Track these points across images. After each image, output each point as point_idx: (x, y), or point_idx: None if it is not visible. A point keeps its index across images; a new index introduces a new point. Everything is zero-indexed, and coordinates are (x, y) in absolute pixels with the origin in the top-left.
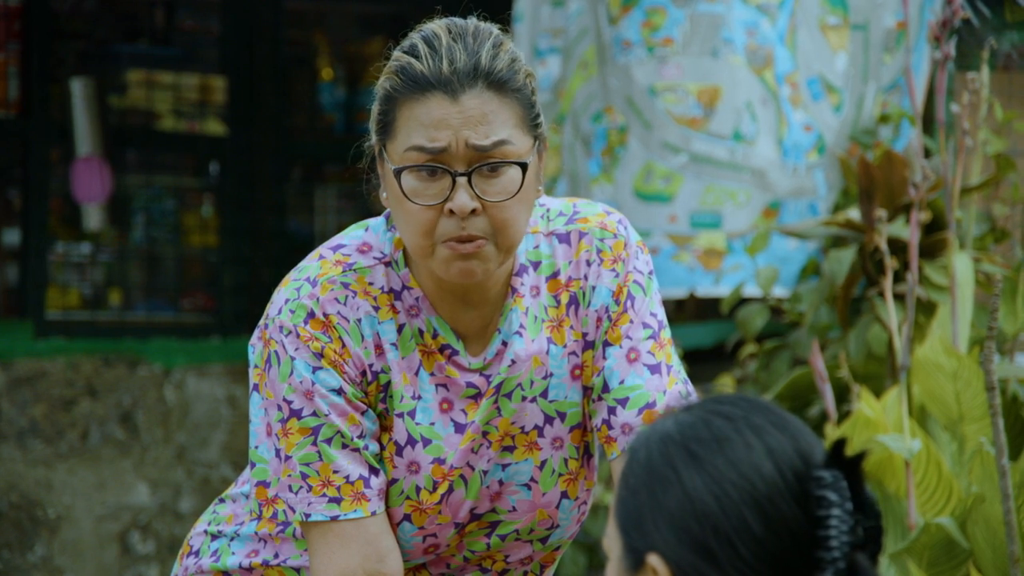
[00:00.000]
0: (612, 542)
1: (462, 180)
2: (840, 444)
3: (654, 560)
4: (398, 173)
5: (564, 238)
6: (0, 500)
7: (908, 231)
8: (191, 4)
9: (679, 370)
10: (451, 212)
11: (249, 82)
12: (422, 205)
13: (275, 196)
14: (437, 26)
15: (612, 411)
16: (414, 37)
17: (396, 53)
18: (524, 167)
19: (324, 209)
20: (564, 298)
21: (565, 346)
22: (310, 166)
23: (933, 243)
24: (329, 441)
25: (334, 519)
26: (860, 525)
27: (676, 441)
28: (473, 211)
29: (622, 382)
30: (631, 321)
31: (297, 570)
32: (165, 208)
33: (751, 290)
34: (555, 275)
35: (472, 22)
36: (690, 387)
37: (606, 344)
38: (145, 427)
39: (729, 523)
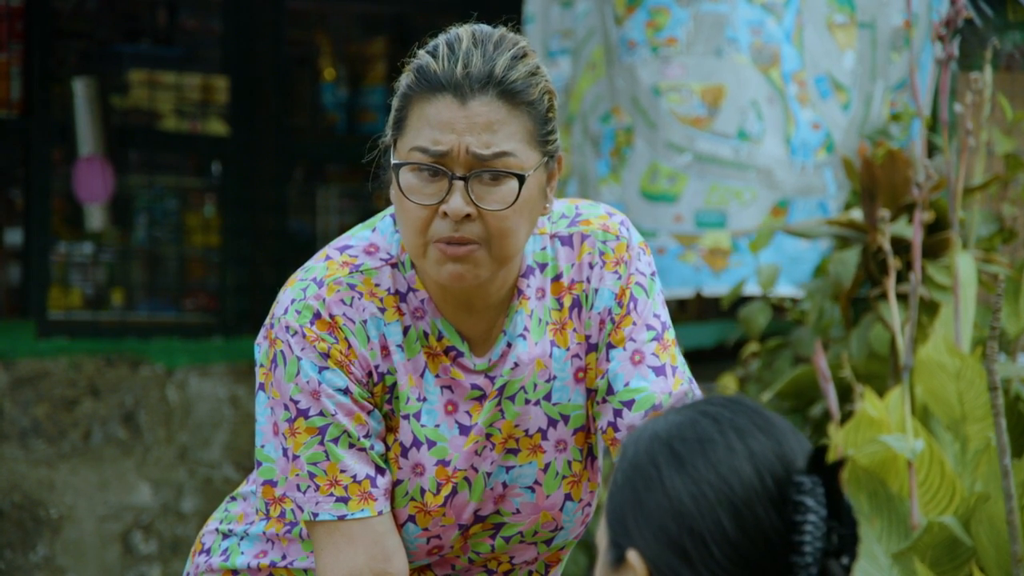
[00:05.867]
0: (601, 536)
1: (458, 184)
2: (821, 450)
3: (632, 556)
4: (398, 169)
5: (566, 240)
6: (2, 500)
7: (911, 231)
8: (193, 4)
9: (684, 370)
10: (445, 214)
11: (251, 82)
12: (418, 203)
13: (277, 196)
14: (463, 30)
15: (618, 413)
16: (439, 38)
17: (419, 52)
18: (522, 180)
19: (326, 209)
20: (567, 301)
21: (568, 349)
22: (312, 166)
23: (936, 243)
24: (336, 441)
25: (341, 518)
26: (835, 532)
27: (662, 440)
28: (468, 216)
29: (627, 384)
30: (634, 323)
31: (305, 571)
32: (167, 208)
33: (752, 288)
34: (558, 278)
35: (499, 31)
36: (695, 387)
37: (609, 346)
38: (147, 427)
39: (704, 524)
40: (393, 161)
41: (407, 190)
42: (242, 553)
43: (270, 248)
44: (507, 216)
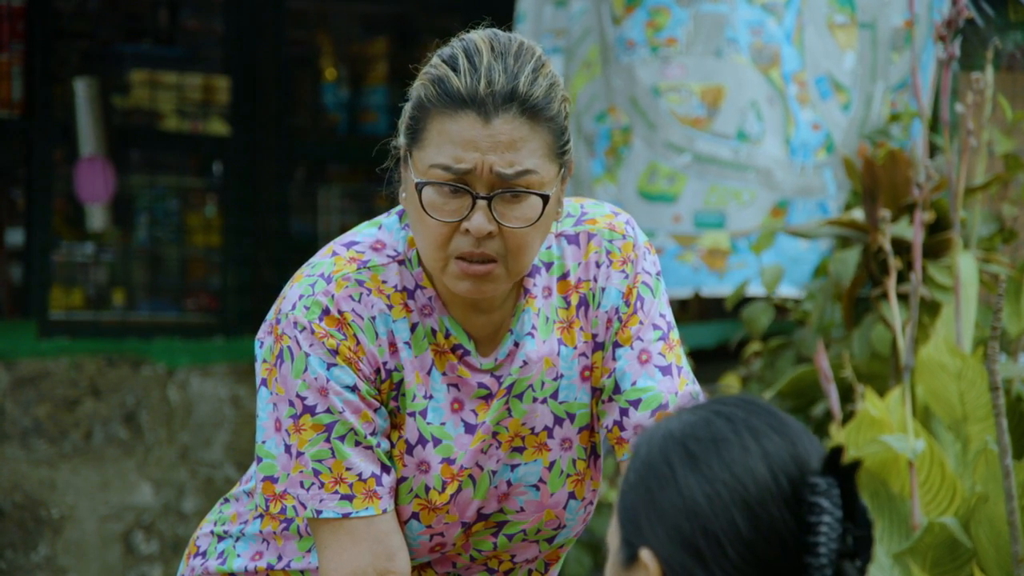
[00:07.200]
0: (612, 535)
1: (482, 203)
2: (836, 451)
3: (646, 555)
4: (420, 187)
5: (573, 239)
6: (4, 500)
7: (912, 231)
8: (194, 4)
9: (688, 371)
10: (467, 231)
11: (252, 82)
12: (439, 220)
13: (278, 196)
14: (481, 39)
15: (624, 412)
16: (456, 46)
17: (436, 60)
18: (546, 199)
19: (327, 209)
20: (574, 299)
21: (575, 347)
22: (313, 166)
23: (937, 243)
24: (342, 438)
25: (346, 516)
26: (850, 534)
27: (676, 439)
28: (489, 233)
29: (634, 384)
30: (641, 323)
31: (302, 572)
32: (168, 208)
33: (756, 289)
34: (565, 276)
35: (516, 38)
36: (698, 388)
37: (616, 345)
38: (149, 427)
39: (718, 524)
40: (415, 180)
41: (428, 207)
42: (238, 556)
43: (271, 248)
44: (527, 232)
